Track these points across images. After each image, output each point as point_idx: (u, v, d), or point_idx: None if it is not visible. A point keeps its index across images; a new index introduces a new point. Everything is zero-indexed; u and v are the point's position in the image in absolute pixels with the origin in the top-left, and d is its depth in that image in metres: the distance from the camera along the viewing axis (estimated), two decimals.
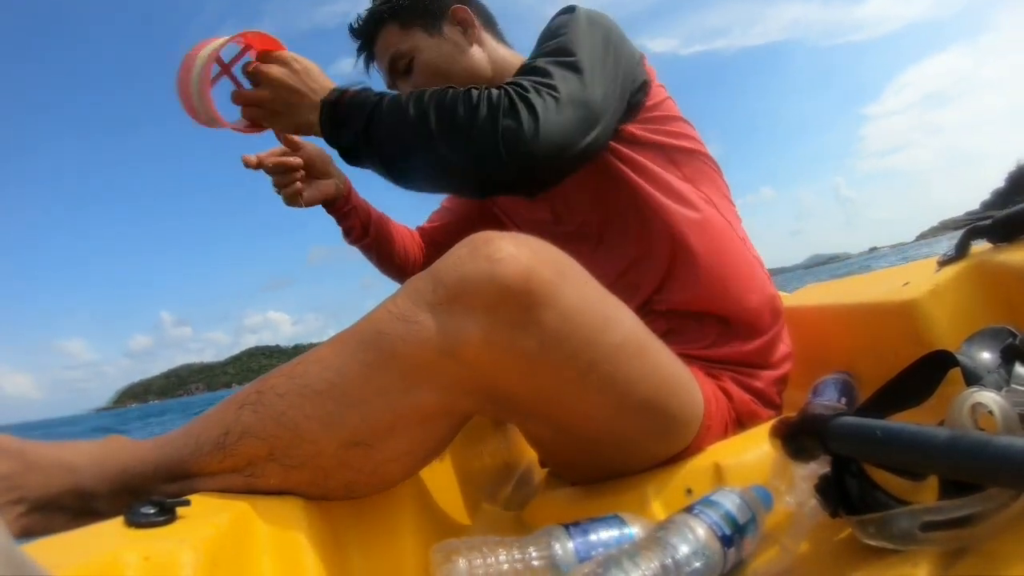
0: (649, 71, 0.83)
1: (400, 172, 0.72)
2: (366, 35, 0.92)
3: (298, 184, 0.87)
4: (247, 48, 0.77)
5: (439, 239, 1.11)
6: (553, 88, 0.66)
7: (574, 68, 0.69)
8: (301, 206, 0.89)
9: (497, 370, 0.54)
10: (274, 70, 0.74)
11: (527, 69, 0.71)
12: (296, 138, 0.87)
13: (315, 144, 0.90)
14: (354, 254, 1.06)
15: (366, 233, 0.99)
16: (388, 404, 0.53)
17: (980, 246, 0.64)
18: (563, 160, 0.67)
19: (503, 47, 0.95)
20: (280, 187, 0.87)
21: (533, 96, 0.65)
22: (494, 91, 0.66)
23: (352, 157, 0.75)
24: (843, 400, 0.70)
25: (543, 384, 0.56)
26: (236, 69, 0.77)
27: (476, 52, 0.89)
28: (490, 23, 0.95)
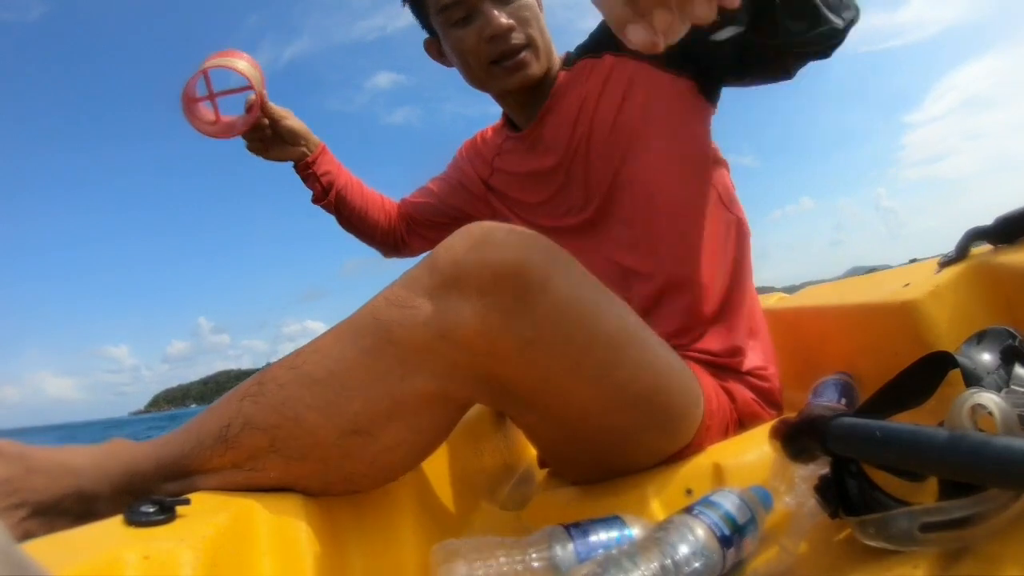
0: None
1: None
2: None
3: (259, 143, 1.00)
4: (251, 87, 0.90)
5: (416, 216, 1.14)
6: None
7: None
8: (266, 158, 1.03)
9: (493, 355, 0.54)
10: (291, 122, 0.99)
11: None
12: (278, 111, 0.99)
13: (294, 117, 1.02)
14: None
15: (326, 195, 1.11)
16: (387, 390, 0.53)
17: (980, 247, 0.64)
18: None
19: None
20: (247, 140, 1.00)
21: None
22: None
23: None
24: (843, 401, 0.70)
25: (539, 370, 0.57)
26: (235, 100, 0.92)
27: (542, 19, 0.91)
28: None
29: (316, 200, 1.12)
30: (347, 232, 1.17)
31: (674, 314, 0.81)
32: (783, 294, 1.24)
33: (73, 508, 0.53)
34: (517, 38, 0.84)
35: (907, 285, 0.66)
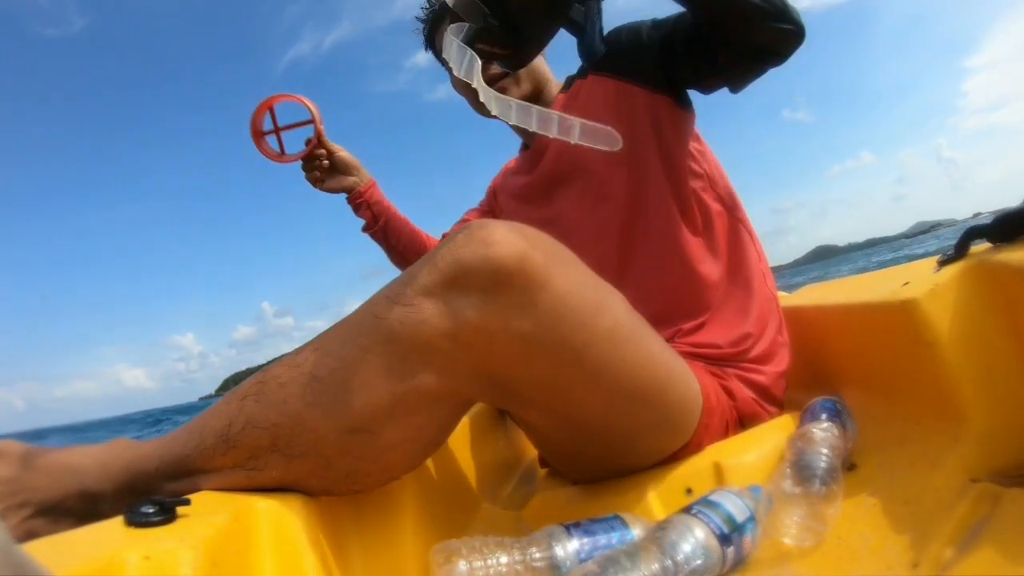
0: None
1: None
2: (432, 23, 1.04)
3: (317, 173, 1.13)
4: (312, 121, 1.04)
5: None
6: None
7: None
8: (321, 189, 1.16)
9: (493, 351, 0.54)
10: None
11: None
12: (333, 145, 1.14)
13: (346, 150, 1.16)
14: None
15: (375, 224, 1.23)
16: (388, 388, 0.53)
17: (980, 246, 0.64)
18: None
19: (548, 69, 1.06)
20: (306, 171, 1.14)
21: None
22: None
23: None
24: (835, 424, 0.70)
25: (538, 366, 0.57)
26: (296, 133, 1.07)
27: (542, 57, 1.01)
28: None
29: (366, 228, 1.24)
30: (396, 266, 1.27)
31: (660, 318, 0.81)
32: (783, 294, 1.24)
33: (76, 508, 0.54)
34: (494, 68, 0.93)
35: (906, 284, 0.66)
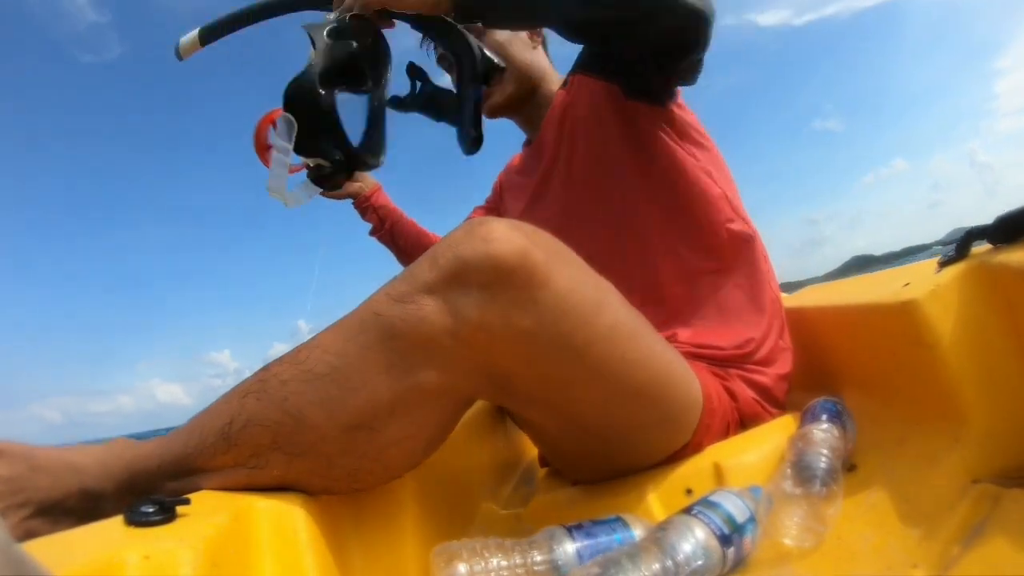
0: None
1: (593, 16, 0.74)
2: None
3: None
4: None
5: None
6: None
7: None
8: (327, 196, 1.13)
9: (494, 349, 0.54)
10: None
11: None
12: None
13: None
14: None
15: (382, 227, 1.26)
16: (388, 385, 0.53)
17: (981, 247, 0.64)
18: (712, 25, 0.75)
19: (547, 60, 1.06)
20: (312, 176, 1.09)
21: None
22: None
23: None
24: (835, 425, 0.70)
25: (539, 364, 0.57)
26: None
27: (537, 53, 1.02)
28: (544, 40, 1.06)
29: (373, 232, 1.27)
30: (405, 267, 1.26)
31: (657, 316, 0.81)
32: (783, 294, 1.24)
33: (77, 507, 0.53)
34: None
35: (907, 285, 0.66)
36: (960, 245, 0.64)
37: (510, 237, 0.54)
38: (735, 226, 0.86)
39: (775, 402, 0.82)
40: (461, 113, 0.76)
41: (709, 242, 0.86)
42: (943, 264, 0.65)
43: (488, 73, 0.77)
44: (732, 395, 0.77)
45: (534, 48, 1.02)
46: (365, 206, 1.26)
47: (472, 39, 0.77)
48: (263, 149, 1.02)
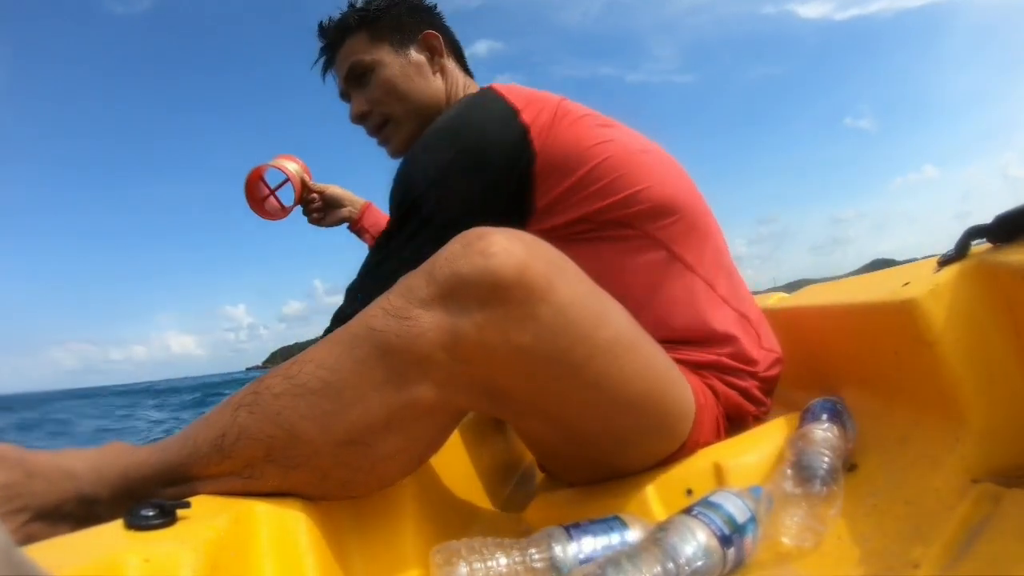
0: (543, 130, 0.76)
1: None
2: (333, 38, 0.95)
3: (315, 215, 1.24)
4: (287, 181, 1.18)
5: None
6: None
7: (382, 276, 0.69)
8: (322, 226, 1.26)
9: (492, 365, 0.54)
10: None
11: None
12: (319, 186, 1.23)
13: (334, 186, 1.25)
14: None
15: None
16: (383, 400, 0.53)
17: (980, 246, 0.64)
18: None
19: (463, 76, 0.99)
20: (307, 213, 1.24)
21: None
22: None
23: None
24: (835, 424, 0.69)
25: (538, 379, 0.56)
26: (284, 190, 1.20)
27: (435, 80, 0.94)
28: (458, 53, 0.99)
29: None
30: None
31: None
32: (783, 294, 1.24)
33: (74, 512, 0.54)
34: (373, 120, 0.95)
35: (907, 284, 0.66)
36: (959, 244, 0.64)
37: (509, 250, 0.52)
38: (647, 255, 0.78)
39: (756, 401, 0.80)
40: None
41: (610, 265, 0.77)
42: (942, 263, 0.65)
43: None
44: (714, 391, 0.76)
45: (434, 73, 0.94)
46: (357, 229, 1.27)
47: None
48: (258, 203, 1.17)
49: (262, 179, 1.18)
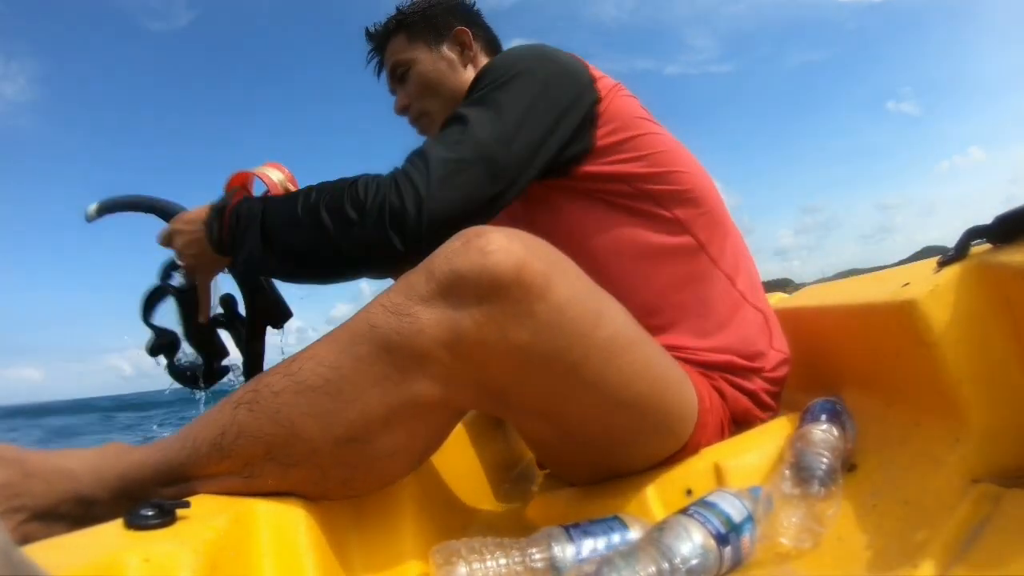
0: (604, 90, 0.80)
1: (306, 272, 0.75)
2: (379, 40, 1.01)
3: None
4: (269, 190, 0.98)
5: None
6: (440, 160, 0.69)
7: (470, 133, 0.70)
8: None
9: (490, 362, 0.54)
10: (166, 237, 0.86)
11: (429, 143, 0.73)
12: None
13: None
14: None
15: None
16: (382, 398, 0.53)
17: (980, 246, 0.64)
18: (455, 227, 0.63)
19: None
20: None
21: (416, 174, 0.68)
22: (382, 177, 0.70)
23: (253, 271, 0.78)
24: (835, 425, 0.69)
25: (536, 377, 0.56)
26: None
27: (466, 73, 0.97)
28: (492, 46, 1.01)
29: None
30: (393, 278, 1.24)
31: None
32: (783, 294, 1.24)
33: (71, 512, 0.54)
34: (413, 113, 0.97)
35: (906, 284, 0.66)
36: (959, 244, 0.64)
37: (508, 248, 0.52)
38: (675, 239, 0.79)
39: (764, 404, 0.80)
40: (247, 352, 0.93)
41: (646, 253, 0.79)
42: (942, 264, 0.65)
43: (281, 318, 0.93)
44: (721, 394, 0.76)
45: (464, 66, 0.96)
46: None
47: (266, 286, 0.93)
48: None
49: (244, 187, 1.15)
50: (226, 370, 0.93)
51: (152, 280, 0.92)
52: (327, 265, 0.73)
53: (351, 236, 0.68)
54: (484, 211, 0.71)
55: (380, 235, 0.67)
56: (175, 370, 0.91)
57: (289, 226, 0.72)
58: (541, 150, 0.74)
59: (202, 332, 0.92)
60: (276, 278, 0.82)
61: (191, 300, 0.89)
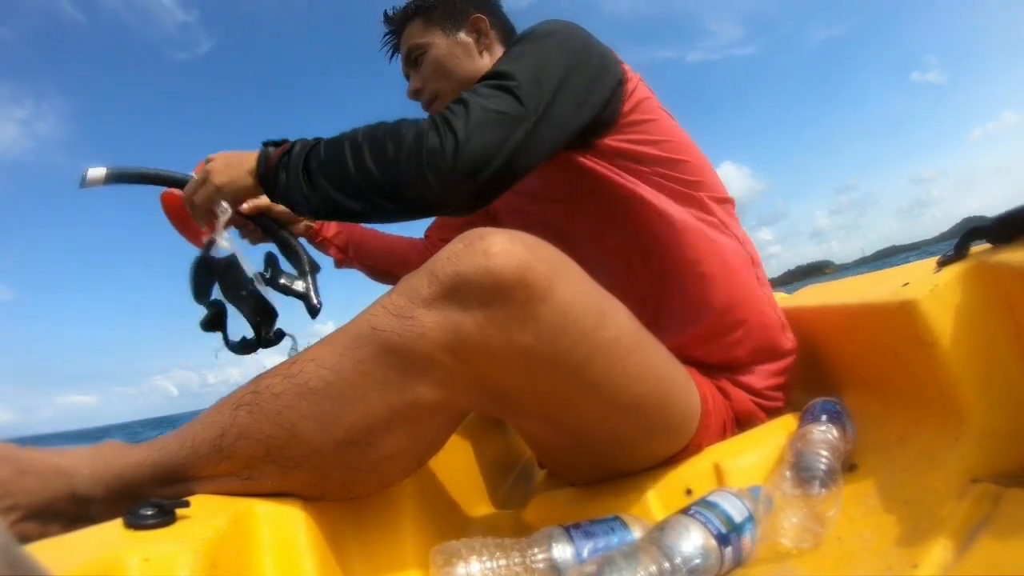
0: (628, 72, 0.82)
1: (346, 210, 0.74)
2: (396, 25, 1.02)
3: (252, 234, 1.03)
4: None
5: (446, 237, 1.16)
6: (480, 107, 0.68)
7: (509, 87, 0.70)
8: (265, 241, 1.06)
9: (493, 365, 0.54)
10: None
11: (468, 92, 0.72)
12: (260, 201, 0.98)
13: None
14: None
15: (345, 256, 1.20)
16: (384, 401, 0.53)
17: (980, 246, 0.64)
18: (487, 174, 0.67)
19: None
20: (245, 236, 1.05)
21: (455, 118, 0.67)
22: (422, 120, 0.70)
23: (296, 205, 0.76)
24: (835, 426, 0.69)
25: (539, 380, 0.56)
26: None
27: (481, 59, 0.97)
28: (508, 36, 1.01)
29: (339, 264, 1.21)
30: (380, 282, 1.23)
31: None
32: (783, 294, 1.24)
33: (67, 511, 0.53)
34: (425, 96, 0.97)
35: (906, 284, 0.66)
36: (959, 244, 0.64)
37: (511, 251, 0.52)
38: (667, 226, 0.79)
39: (770, 401, 0.80)
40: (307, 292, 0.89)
41: (640, 244, 0.80)
42: (942, 263, 0.65)
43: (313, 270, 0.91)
44: (725, 395, 0.76)
45: (480, 53, 0.96)
46: (319, 241, 1.18)
47: (295, 242, 0.92)
48: (186, 222, 0.93)
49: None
50: (282, 334, 0.89)
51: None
52: (364, 199, 0.71)
53: (388, 171, 0.68)
54: (515, 165, 0.69)
55: (415, 172, 0.67)
56: (231, 344, 0.88)
57: (334, 155, 0.71)
58: (579, 110, 0.74)
59: (248, 295, 0.89)
60: (315, 214, 0.81)
61: (234, 266, 0.88)
